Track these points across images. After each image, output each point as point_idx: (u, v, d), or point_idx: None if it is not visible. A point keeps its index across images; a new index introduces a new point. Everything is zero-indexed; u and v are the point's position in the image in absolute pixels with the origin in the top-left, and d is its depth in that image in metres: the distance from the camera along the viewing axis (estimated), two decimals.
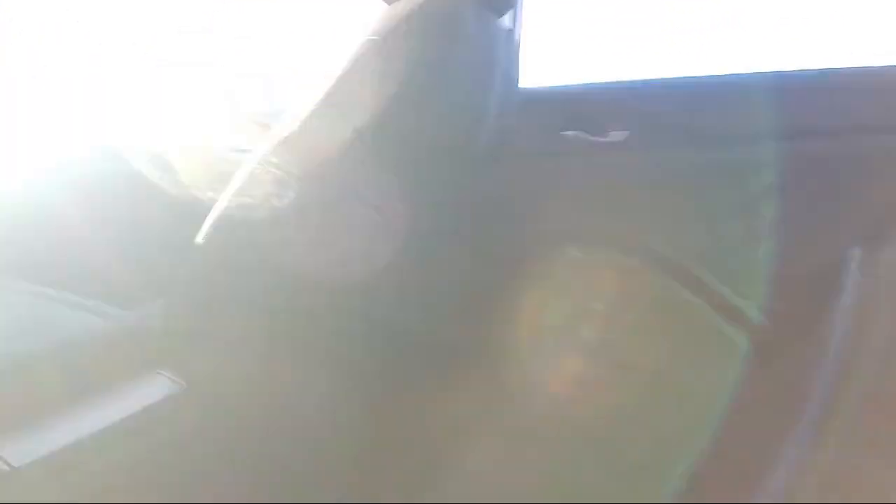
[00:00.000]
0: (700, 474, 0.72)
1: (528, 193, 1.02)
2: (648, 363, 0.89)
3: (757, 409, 0.76)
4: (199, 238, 0.64)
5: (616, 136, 0.98)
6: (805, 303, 0.84)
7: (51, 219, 0.96)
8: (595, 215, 0.98)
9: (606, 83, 1.02)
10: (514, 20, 1.05)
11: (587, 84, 1.03)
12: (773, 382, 0.79)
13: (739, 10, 1.08)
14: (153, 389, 0.64)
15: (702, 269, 0.91)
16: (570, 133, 1.00)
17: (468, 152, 0.84)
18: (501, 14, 0.83)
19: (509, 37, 0.87)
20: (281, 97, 1.28)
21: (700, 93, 0.96)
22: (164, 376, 0.66)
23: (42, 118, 0.89)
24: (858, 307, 0.74)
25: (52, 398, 0.57)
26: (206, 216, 0.65)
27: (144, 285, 0.77)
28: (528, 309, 0.91)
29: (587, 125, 0.99)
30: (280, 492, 0.66)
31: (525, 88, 1.06)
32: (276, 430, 0.68)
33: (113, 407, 0.60)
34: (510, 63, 0.94)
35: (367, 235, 0.67)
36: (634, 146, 0.97)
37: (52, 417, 0.56)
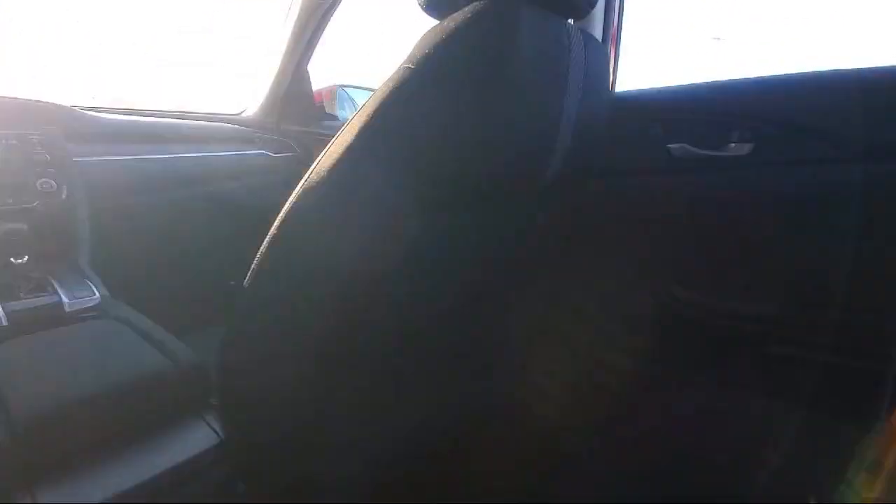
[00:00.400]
0: None
1: (619, 218, 0.87)
2: None
3: None
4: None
5: (737, 148, 0.78)
6: None
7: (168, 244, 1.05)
8: (700, 246, 0.80)
9: (724, 81, 0.81)
10: (608, 18, 0.90)
11: (698, 84, 0.83)
12: None
13: None
14: (194, 439, 0.64)
15: None
16: (675, 146, 0.83)
17: (533, 169, 0.73)
18: (576, 17, 0.69)
19: (589, 39, 0.73)
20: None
21: (853, 91, 0.71)
22: (206, 424, 0.66)
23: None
24: None
25: (99, 444, 0.59)
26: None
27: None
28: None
29: (698, 136, 0.80)
30: None
31: (620, 93, 0.90)
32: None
33: (153, 458, 0.61)
34: (597, 67, 0.79)
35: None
36: (761, 161, 0.76)
37: (95, 465, 0.58)
